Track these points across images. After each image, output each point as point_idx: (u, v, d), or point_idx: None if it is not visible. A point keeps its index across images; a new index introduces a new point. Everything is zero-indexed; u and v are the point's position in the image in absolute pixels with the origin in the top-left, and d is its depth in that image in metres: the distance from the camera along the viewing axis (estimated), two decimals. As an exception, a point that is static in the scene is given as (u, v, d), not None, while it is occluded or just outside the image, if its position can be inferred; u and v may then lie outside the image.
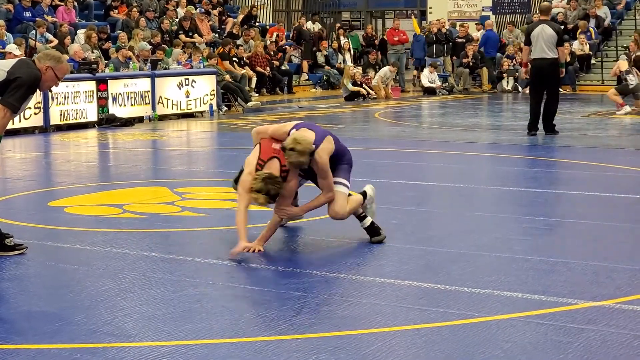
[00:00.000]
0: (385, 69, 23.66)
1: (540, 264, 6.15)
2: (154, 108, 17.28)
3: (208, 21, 23.96)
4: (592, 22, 25.75)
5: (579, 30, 25.05)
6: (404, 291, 5.55)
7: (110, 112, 16.32)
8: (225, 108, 19.12)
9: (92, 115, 16.08)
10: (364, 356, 4.41)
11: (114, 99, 16.49)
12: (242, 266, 6.15)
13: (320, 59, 25.92)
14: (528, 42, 13.88)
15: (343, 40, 26.82)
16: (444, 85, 24.43)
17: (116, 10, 22.70)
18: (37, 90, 6.40)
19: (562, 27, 25.33)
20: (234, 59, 21.54)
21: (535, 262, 6.21)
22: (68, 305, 5.33)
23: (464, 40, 25.43)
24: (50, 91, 6.69)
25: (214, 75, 18.80)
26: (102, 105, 16.24)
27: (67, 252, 6.63)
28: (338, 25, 29.17)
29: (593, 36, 25.43)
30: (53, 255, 6.60)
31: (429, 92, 23.97)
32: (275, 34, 25.68)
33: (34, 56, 6.91)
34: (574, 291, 5.49)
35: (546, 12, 14.31)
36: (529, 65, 14.03)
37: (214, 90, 18.60)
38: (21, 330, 4.88)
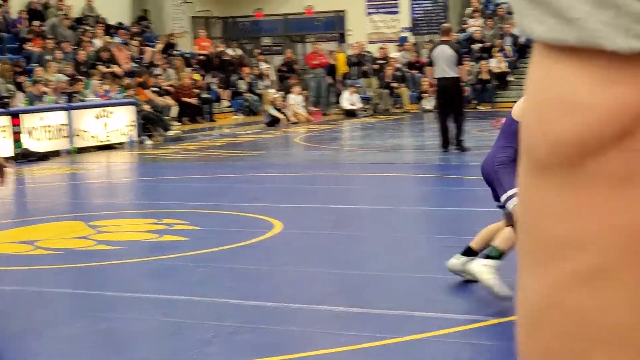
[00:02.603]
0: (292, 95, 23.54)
1: (454, 282, 6.17)
2: (71, 141, 17.03)
3: (127, 51, 23.76)
4: (508, 40, 26.19)
5: (496, 49, 25.47)
6: (316, 315, 5.52)
7: (25, 146, 16.04)
8: (146, 138, 18.94)
9: (7, 151, 15.78)
10: (274, 384, 4.36)
11: (29, 133, 16.22)
12: (155, 298, 6.06)
13: (242, 86, 25.81)
14: (430, 63, 14.38)
15: (264, 65, 26.81)
16: (365, 106, 24.57)
17: (30, 43, 22.37)
18: None
19: (481, 44, 25.78)
20: (154, 88, 21.38)
21: (448, 280, 6.23)
22: (-27, 347, 5.19)
23: (384, 61, 25.68)
24: None
25: (133, 106, 18.61)
26: (17, 140, 15.96)
27: (-25, 293, 6.45)
28: (258, 51, 29.18)
29: (510, 54, 25.87)
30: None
31: (350, 114, 24.08)
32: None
33: None
34: (479, 307, 5.51)
35: (446, 32, 14.62)
36: (433, 85, 14.44)
37: (134, 120, 18.41)
38: None
